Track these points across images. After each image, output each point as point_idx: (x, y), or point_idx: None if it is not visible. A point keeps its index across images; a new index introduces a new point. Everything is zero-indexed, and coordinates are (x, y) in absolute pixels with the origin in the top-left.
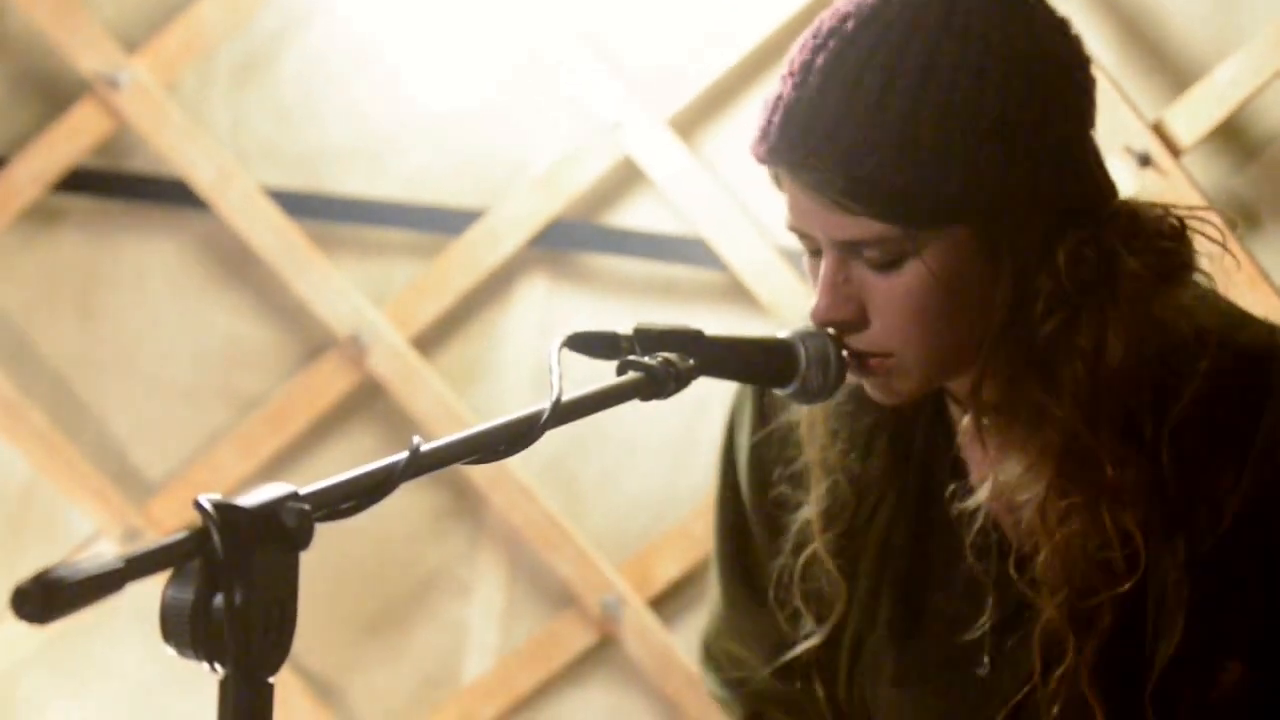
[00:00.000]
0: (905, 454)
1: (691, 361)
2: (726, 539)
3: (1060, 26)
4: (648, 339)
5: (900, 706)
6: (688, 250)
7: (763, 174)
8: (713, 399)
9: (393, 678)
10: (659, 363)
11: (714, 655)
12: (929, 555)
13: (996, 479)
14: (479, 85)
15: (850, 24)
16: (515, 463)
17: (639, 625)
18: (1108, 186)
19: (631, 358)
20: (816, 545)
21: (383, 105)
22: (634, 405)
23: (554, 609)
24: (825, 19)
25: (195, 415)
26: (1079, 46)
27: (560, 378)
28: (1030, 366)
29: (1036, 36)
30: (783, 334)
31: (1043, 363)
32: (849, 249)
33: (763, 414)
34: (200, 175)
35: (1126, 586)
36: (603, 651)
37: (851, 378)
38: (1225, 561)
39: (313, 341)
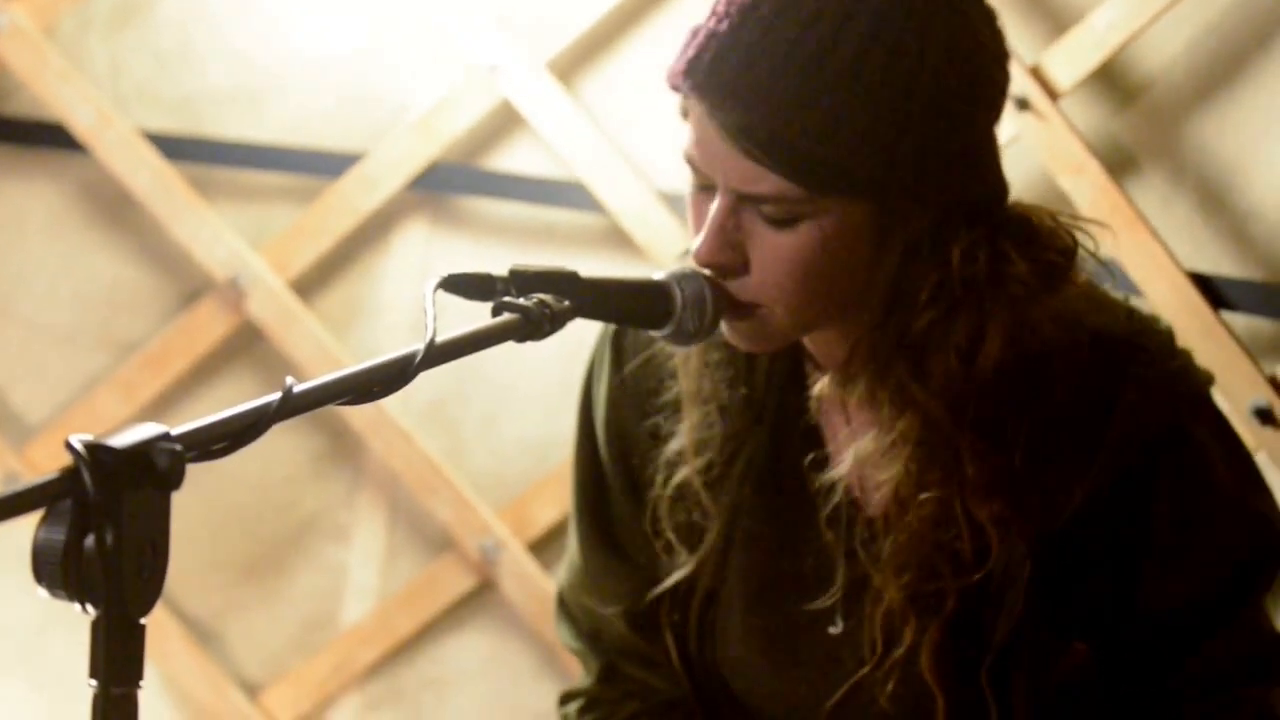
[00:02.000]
0: (759, 414)
1: (567, 303)
2: (584, 492)
3: (992, 19)
4: (523, 281)
5: (747, 665)
6: (566, 194)
7: (641, 118)
8: (589, 340)
9: (271, 621)
10: (534, 304)
11: (569, 609)
12: (778, 516)
13: (856, 454)
14: (357, 28)
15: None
16: (394, 407)
17: (518, 569)
18: (1003, 185)
19: (506, 299)
20: (688, 472)
21: (261, 48)
22: (513, 349)
23: (433, 553)
24: None
25: (74, 359)
26: (1004, 40)
27: (435, 319)
28: (902, 350)
29: (974, 28)
30: (658, 276)
31: (916, 349)
32: (745, 198)
33: (620, 359)
34: (78, 119)
35: (974, 578)
36: (482, 595)
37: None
38: (1071, 544)
39: (192, 285)
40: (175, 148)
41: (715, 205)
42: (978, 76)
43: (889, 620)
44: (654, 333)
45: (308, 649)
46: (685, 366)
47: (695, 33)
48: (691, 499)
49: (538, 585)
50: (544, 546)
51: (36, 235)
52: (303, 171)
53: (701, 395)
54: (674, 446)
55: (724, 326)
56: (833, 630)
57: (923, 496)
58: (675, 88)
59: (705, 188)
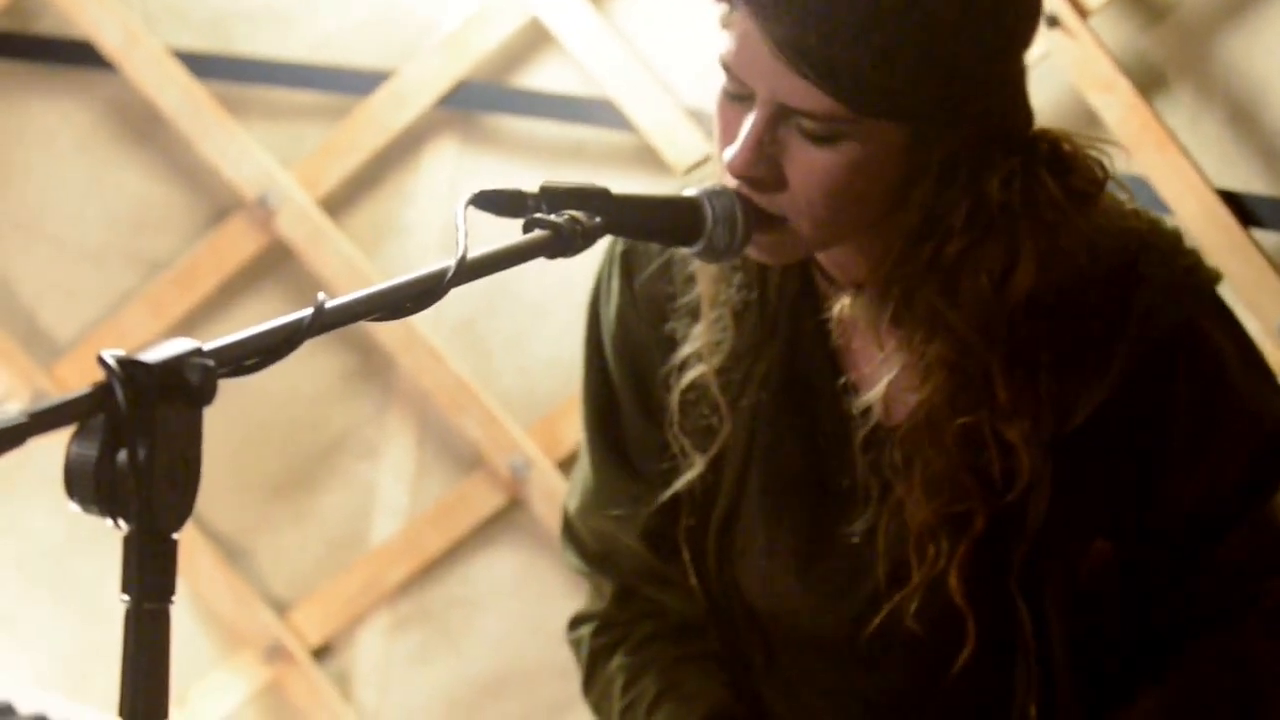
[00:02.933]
0: (773, 326)
1: (598, 219)
2: (596, 411)
3: None
4: (554, 197)
5: (771, 574)
6: (596, 112)
7: (670, 35)
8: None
9: (300, 540)
10: (565, 220)
11: (578, 531)
12: (797, 428)
13: (883, 374)
14: None
15: None
16: (424, 324)
17: (547, 487)
18: (1031, 112)
19: (538, 215)
20: (704, 370)
21: None
22: (543, 267)
23: (463, 471)
24: None
25: (103, 277)
26: None
27: (466, 235)
28: (933, 274)
29: None
30: (689, 192)
31: (948, 274)
32: (787, 111)
33: (630, 273)
34: (107, 37)
35: (1007, 499)
36: (511, 513)
37: None
38: (1091, 445)
39: (221, 203)
40: (204, 66)
41: (754, 116)
42: (1021, 5)
43: (918, 540)
44: (684, 249)
45: (337, 567)
46: (703, 271)
47: None
48: (707, 402)
49: None
50: (573, 465)
51: (65, 154)
52: (332, 89)
53: (718, 299)
54: (687, 349)
55: (750, 241)
56: (855, 541)
57: (956, 421)
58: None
59: (740, 97)
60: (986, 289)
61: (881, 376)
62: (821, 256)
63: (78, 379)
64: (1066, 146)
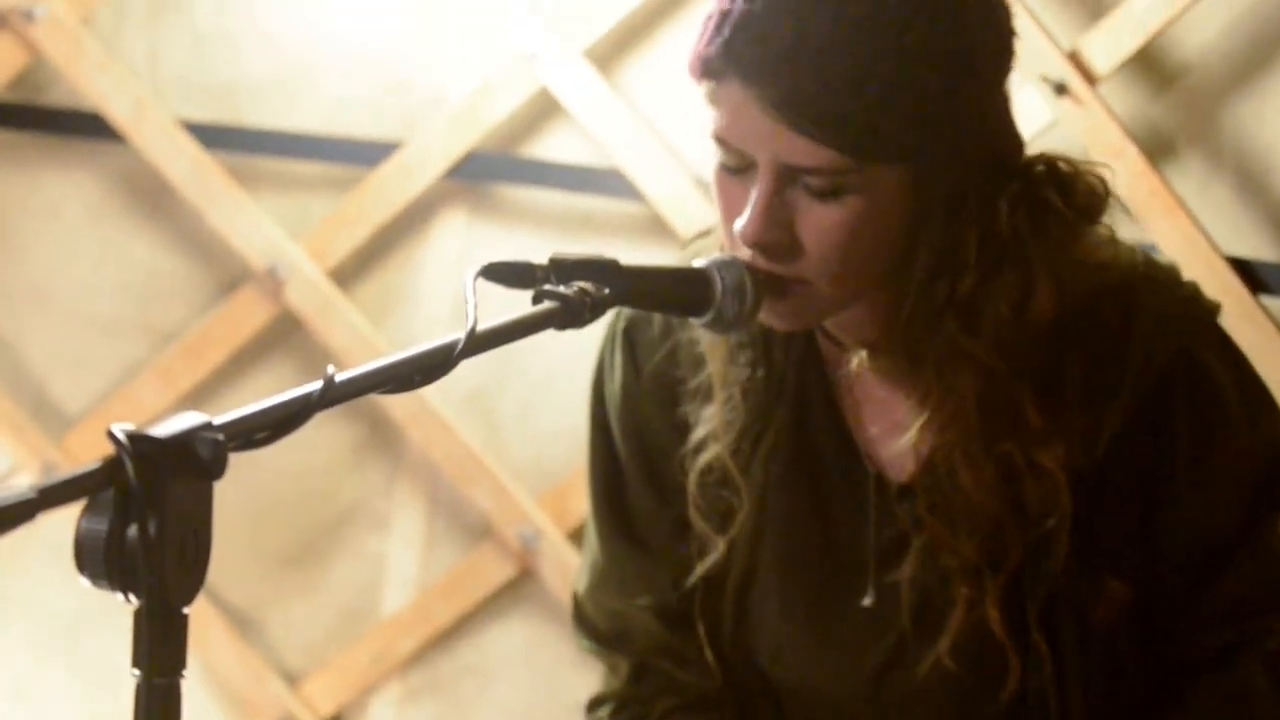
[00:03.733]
0: (779, 394)
1: (607, 291)
2: (604, 491)
3: None
4: (563, 269)
5: (788, 641)
6: (605, 182)
7: (679, 106)
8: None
9: (311, 611)
10: (574, 292)
11: (588, 613)
12: (809, 497)
13: (899, 431)
14: (395, 16)
15: None
16: (434, 396)
17: (557, 558)
18: (1020, 140)
19: (547, 287)
20: (717, 452)
21: (299, 36)
22: (552, 338)
23: (473, 542)
24: None
25: (113, 348)
26: None
27: (475, 307)
28: (951, 310)
29: None
30: (698, 263)
31: (966, 307)
32: (791, 173)
33: (634, 355)
34: (116, 108)
35: (1046, 526)
36: (522, 584)
37: None
38: (1103, 479)
39: (230, 274)
40: (213, 136)
41: (760, 184)
42: (1001, 31)
43: (960, 579)
44: (694, 320)
45: (348, 638)
46: (713, 352)
47: (724, 15)
48: (721, 482)
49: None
50: (584, 535)
51: (75, 224)
52: (341, 160)
53: (728, 379)
54: (701, 432)
55: (767, 309)
56: (867, 602)
57: (993, 450)
58: (707, 73)
59: (739, 169)
60: (1007, 317)
61: (896, 434)
62: (829, 320)
63: (88, 450)
64: (1064, 166)
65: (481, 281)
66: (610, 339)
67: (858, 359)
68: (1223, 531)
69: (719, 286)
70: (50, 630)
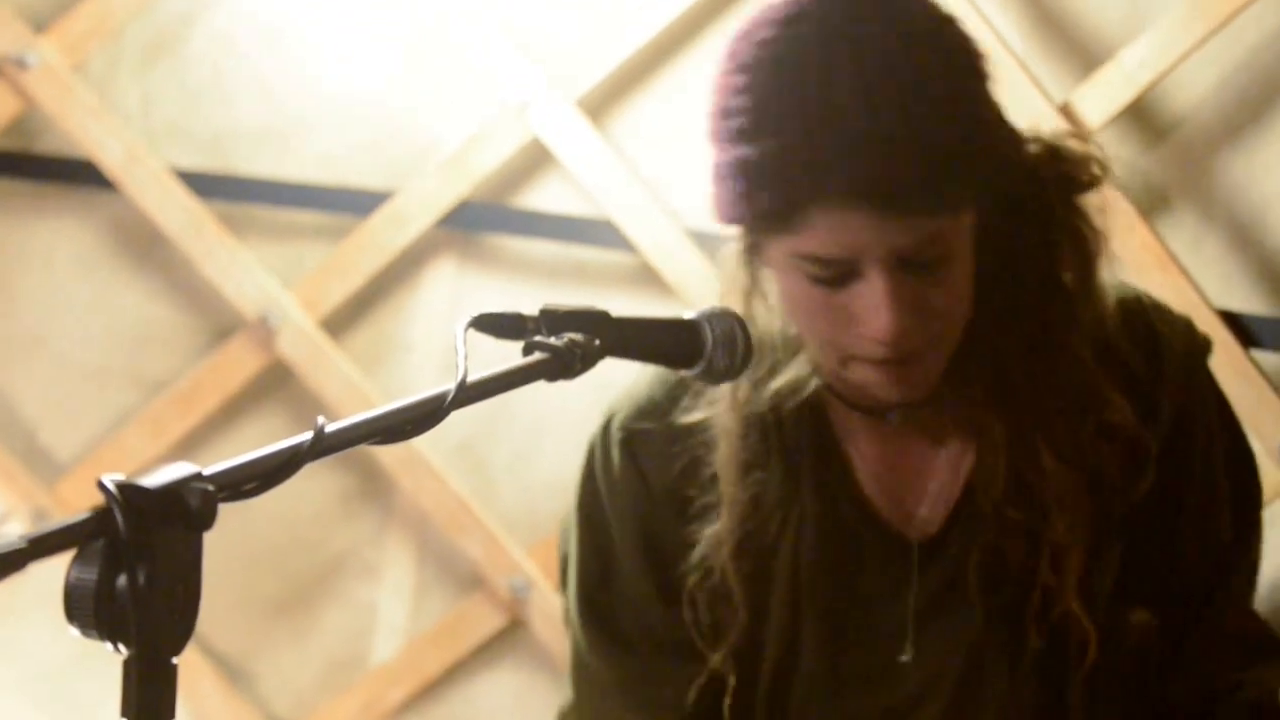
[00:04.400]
0: (795, 473)
1: (598, 342)
2: (592, 597)
3: None
4: (554, 320)
5: (835, 714)
6: (596, 232)
7: (670, 156)
8: (619, 380)
9: (301, 660)
10: (565, 343)
11: None
12: (840, 569)
13: (936, 480)
14: (387, 66)
15: (872, 33)
16: (424, 445)
17: (548, 608)
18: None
19: (537, 338)
20: (725, 568)
21: (291, 85)
22: (542, 387)
23: (463, 592)
24: (818, 31)
25: (104, 396)
26: None
27: (466, 358)
28: (1030, 342)
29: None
30: (689, 315)
31: (1043, 337)
32: (901, 258)
33: (635, 458)
34: (109, 156)
35: (1139, 489)
36: (512, 634)
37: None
38: (1142, 504)
39: (222, 323)
40: (205, 185)
41: (880, 283)
42: (974, 41)
43: (991, 624)
44: (685, 371)
45: (337, 687)
46: (726, 469)
47: (841, 144)
48: (748, 580)
49: None
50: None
51: (67, 273)
52: (333, 209)
53: (740, 494)
54: (717, 540)
55: (879, 383)
56: (905, 658)
57: (1088, 424)
58: (790, 207)
59: (833, 279)
60: (1079, 342)
61: (919, 487)
62: (851, 391)
63: (79, 498)
64: (1062, 150)
65: (472, 332)
66: (603, 448)
67: (895, 417)
68: (1219, 549)
69: (709, 338)
70: (41, 679)
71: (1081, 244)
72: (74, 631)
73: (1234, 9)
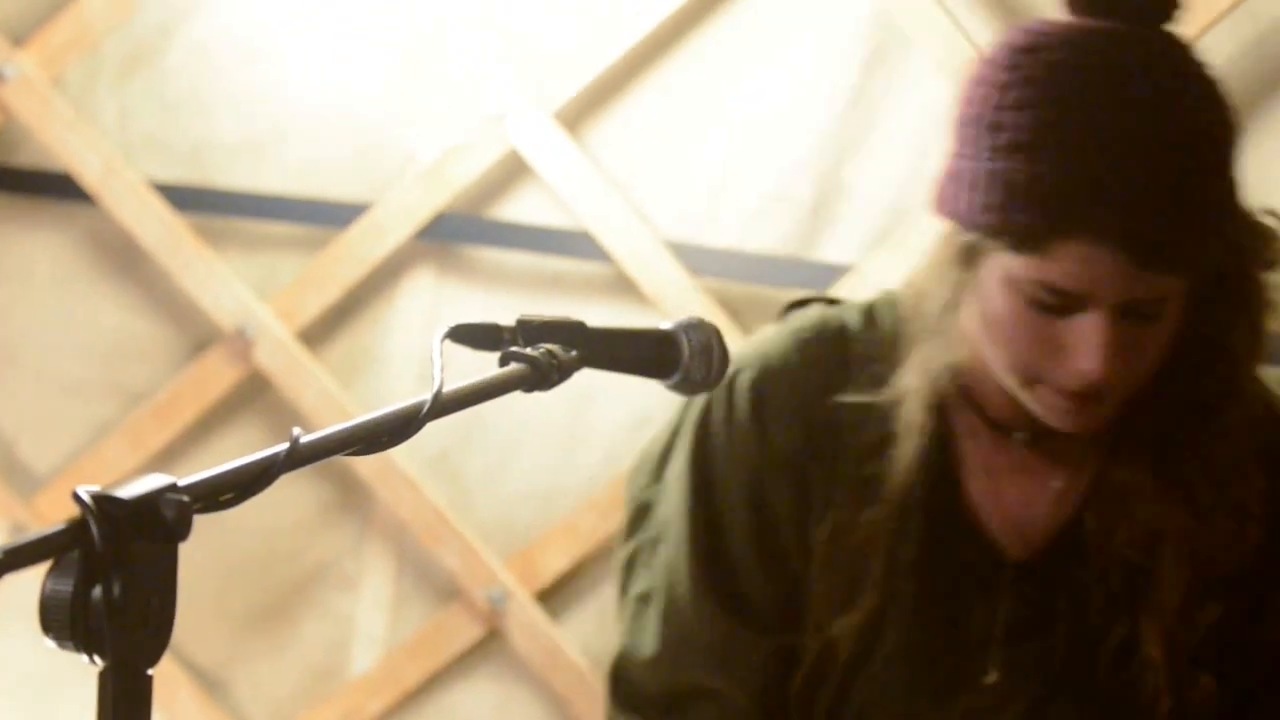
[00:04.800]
0: (913, 476)
1: (574, 353)
2: (702, 552)
3: None
4: (530, 331)
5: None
6: (574, 244)
7: (648, 167)
8: (596, 391)
9: (278, 671)
10: (541, 354)
11: (642, 682)
12: (935, 573)
13: (1051, 498)
14: (365, 78)
15: (1164, 84)
16: (401, 456)
17: (525, 619)
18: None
19: (514, 349)
20: (856, 532)
21: (268, 98)
22: (519, 398)
23: (440, 602)
24: (1096, 76)
25: (82, 409)
26: None
27: (442, 369)
28: (1191, 400)
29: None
30: (665, 325)
31: (1204, 398)
32: (1127, 307)
33: (764, 427)
34: (86, 169)
35: (1210, 613)
36: (490, 645)
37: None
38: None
39: (199, 335)
40: (183, 197)
41: (1102, 324)
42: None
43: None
44: (661, 382)
45: (315, 699)
46: (854, 445)
47: (1120, 182)
48: (849, 567)
49: (545, 635)
50: (551, 596)
51: (44, 285)
52: (310, 221)
53: (864, 470)
54: (833, 517)
55: (1061, 410)
56: (990, 679)
57: (1209, 511)
58: (1048, 235)
59: (1057, 309)
60: (1240, 409)
61: (1028, 510)
62: (998, 399)
63: (57, 511)
64: (1256, 217)
65: (449, 343)
66: (727, 402)
67: (1023, 436)
68: None
69: (686, 348)
70: (17, 691)
71: (1258, 318)
72: (50, 643)
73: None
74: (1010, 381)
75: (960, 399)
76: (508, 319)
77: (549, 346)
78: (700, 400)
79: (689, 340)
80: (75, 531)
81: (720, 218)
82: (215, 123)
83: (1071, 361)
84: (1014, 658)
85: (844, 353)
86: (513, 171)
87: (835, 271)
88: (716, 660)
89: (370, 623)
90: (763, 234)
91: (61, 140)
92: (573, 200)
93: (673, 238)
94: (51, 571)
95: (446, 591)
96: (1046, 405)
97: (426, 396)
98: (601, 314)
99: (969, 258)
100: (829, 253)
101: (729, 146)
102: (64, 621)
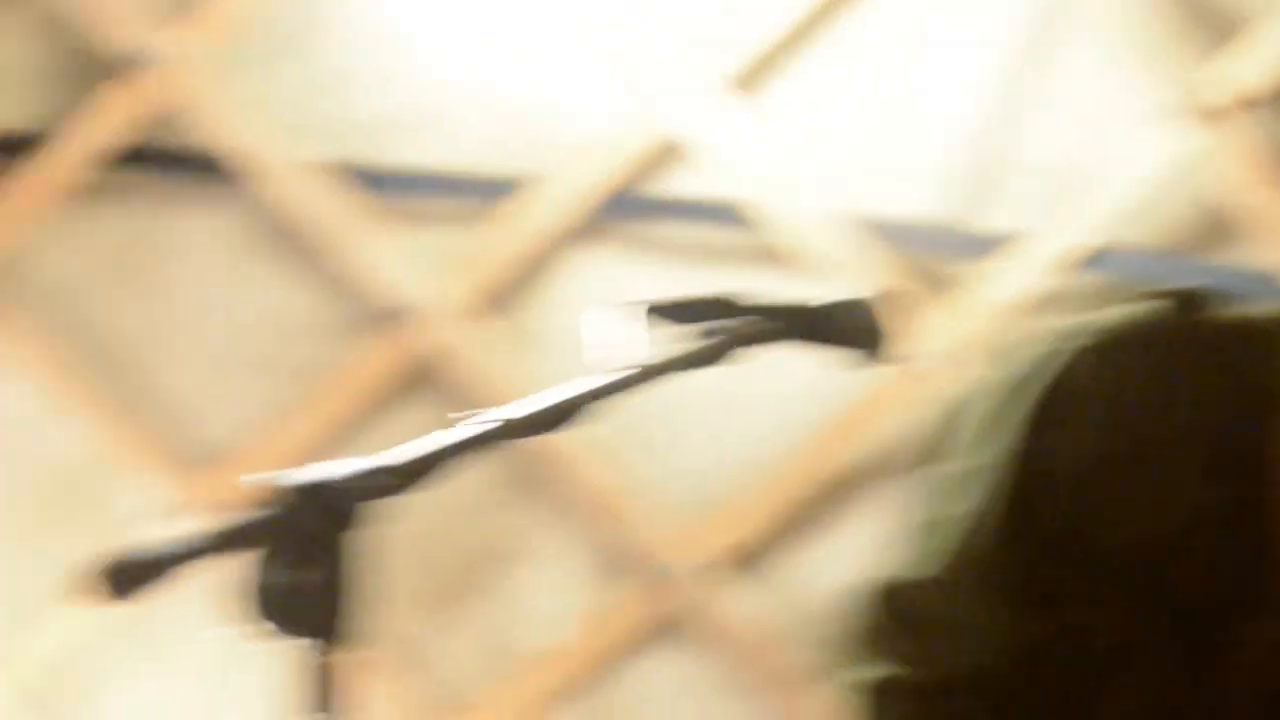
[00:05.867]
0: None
1: (768, 326)
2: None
3: None
4: (727, 307)
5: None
6: (743, 215)
7: (816, 138)
8: (774, 362)
9: (463, 648)
10: (736, 327)
11: (910, 600)
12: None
13: None
14: (530, 51)
15: None
16: (584, 430)
17: (711, 594)
18: None
19: (711, 324)
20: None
21: (437, 74)
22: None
23: (623, 579)
24: None
25: (253, 387)
26: None
27: (642, 345)
28: None
29: None
30: (833, 298)
31: None
32: None
33: (1101, 376)
34: (253, 149)
35: None
36: (676, 620)
37: None
38: None
39: (369, 312)
40: (348, 176)
41: None
42: None
43: None
44: (846, 354)
45: (500, 675)
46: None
47: None
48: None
49: (729, 609)
50: (734, 571)
51: (215, 264)
52: (477, 197)
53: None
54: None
55: None
56: None
57: None
58: None
59: None
60: None
61: None
62: None
63: (229, 489)
64: None
65: (616, 317)
66: (1072, 359)
67: None
68: None
69: (855, 323)
70: (204, 674)
71: None
72: (248, 627)
73: None
74: None
75: None
76: (677, 293)
77: (742, 320)
78: None
79: (854, 316)
80: (274, 517)
81: (885, 187)
82: (380, 99)
83: None
84: None
85: None
86: (679, 145)
87: (1001, 241)
88: (1008, 598)
89: (552, 600)
90: (927, 203)
91: (228, 121)
92: (740, 172)
93: (843, 208)
94: (251, 558)
95: (629, 567)
96: None
97: (630, 368)
98: (771, 286)
99: None
100: (995, 222)
101: (897, 116)
102: (262, 605)
